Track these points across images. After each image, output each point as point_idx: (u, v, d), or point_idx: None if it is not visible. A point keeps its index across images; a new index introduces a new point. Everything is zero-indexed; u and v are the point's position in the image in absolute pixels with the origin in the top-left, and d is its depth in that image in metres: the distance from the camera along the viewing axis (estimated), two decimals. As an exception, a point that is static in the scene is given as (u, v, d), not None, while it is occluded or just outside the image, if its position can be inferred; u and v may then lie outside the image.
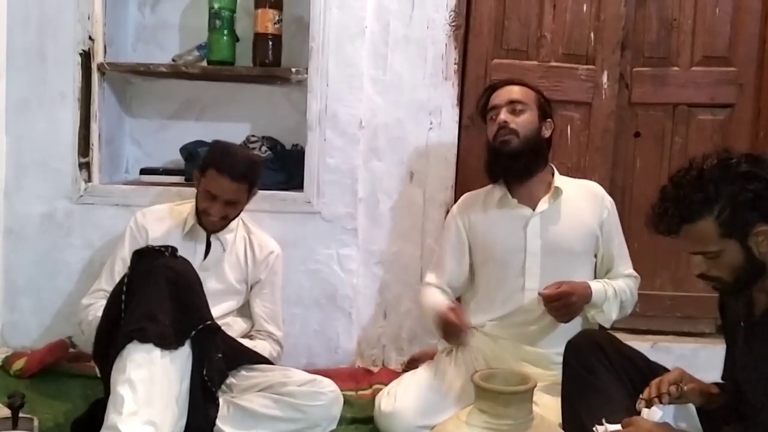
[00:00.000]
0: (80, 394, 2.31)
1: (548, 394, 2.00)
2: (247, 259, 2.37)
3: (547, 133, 2.25)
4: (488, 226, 2.25)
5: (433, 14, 2.67)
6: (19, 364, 2.48)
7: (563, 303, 2.07)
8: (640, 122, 2.80)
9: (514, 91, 2.23)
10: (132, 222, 2.37)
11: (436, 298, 2.24)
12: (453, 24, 2.68)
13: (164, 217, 2.37)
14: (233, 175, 2.19)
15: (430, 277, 2.33)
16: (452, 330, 2.08)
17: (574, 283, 2.12)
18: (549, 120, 2.26)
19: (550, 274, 2.16)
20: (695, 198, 1.50)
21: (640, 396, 1.64)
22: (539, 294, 2.09)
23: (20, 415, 1.89)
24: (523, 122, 2.19)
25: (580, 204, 2.23)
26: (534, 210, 2.20)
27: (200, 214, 2.29)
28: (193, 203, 2.34)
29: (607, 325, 2.22)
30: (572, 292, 2.08)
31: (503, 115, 2.19)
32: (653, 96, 2.78)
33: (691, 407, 1.63)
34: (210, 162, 2.23)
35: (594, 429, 1.61)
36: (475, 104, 2.40)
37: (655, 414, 1.57)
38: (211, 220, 2.26)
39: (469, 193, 2.40)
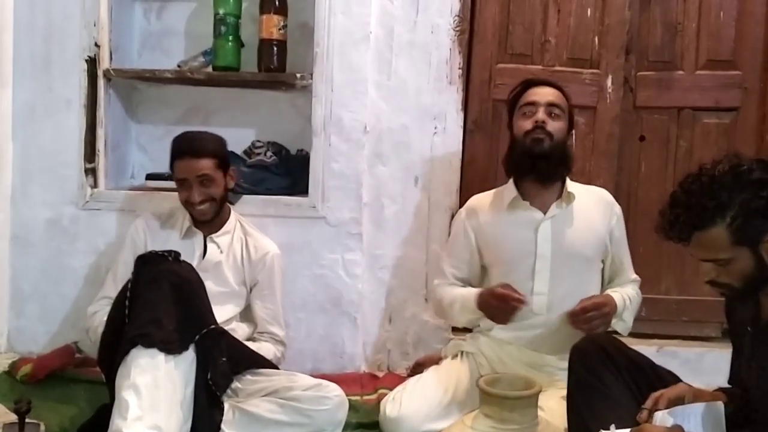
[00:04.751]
0: (86, 400, 2.30)
1: (553, 398, 2.00)
2: (243, 261, 2.37)
3: (569, 144, 2.28)
4: (498, 228, 2.24)
5: (437, 19, 2.67)
6: (25, 370, 2.48)
7: (600, 313, 2.09)
8: (645, 126, 2.80)
9: (555, 94, 2.21)
10: (132, 227, 2.39)
11: (465, 290, 2.25)
12: (457, 29, 2.68)
13: (163, 221, 2.39)
14: (192, 153, 2.22)
15: (443, 278, 2.32)
16: (507, 304, 2.07)
17: (603, 295, 2.17)
18: (572, 131, 2.29)
19: (559, 279, 2.17)
20: (708, 205, 1.48)
21: (642, 406, 1.62)
22: (570, 313, 2.09)
23: (27, 420, 1.89)
24: (558, 128, 2.19)
25: (590, 210, 2.23)
26: (545, 214, 2.19)
27: (189, 211, 2.29)
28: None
29: (626, 333, 2.25)
30: (605, 303, 2.12)
31: (541, 114, 2.17)
32: (658, 100, 2.77)
33: (720, 406, 1.58)
34: (171, 156, 2.27)
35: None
36: (508, 95, 2.33)
37: (666, 419, 1.55)
38: (199, 210, 2.24)
39: (476, 195, 2.38)
